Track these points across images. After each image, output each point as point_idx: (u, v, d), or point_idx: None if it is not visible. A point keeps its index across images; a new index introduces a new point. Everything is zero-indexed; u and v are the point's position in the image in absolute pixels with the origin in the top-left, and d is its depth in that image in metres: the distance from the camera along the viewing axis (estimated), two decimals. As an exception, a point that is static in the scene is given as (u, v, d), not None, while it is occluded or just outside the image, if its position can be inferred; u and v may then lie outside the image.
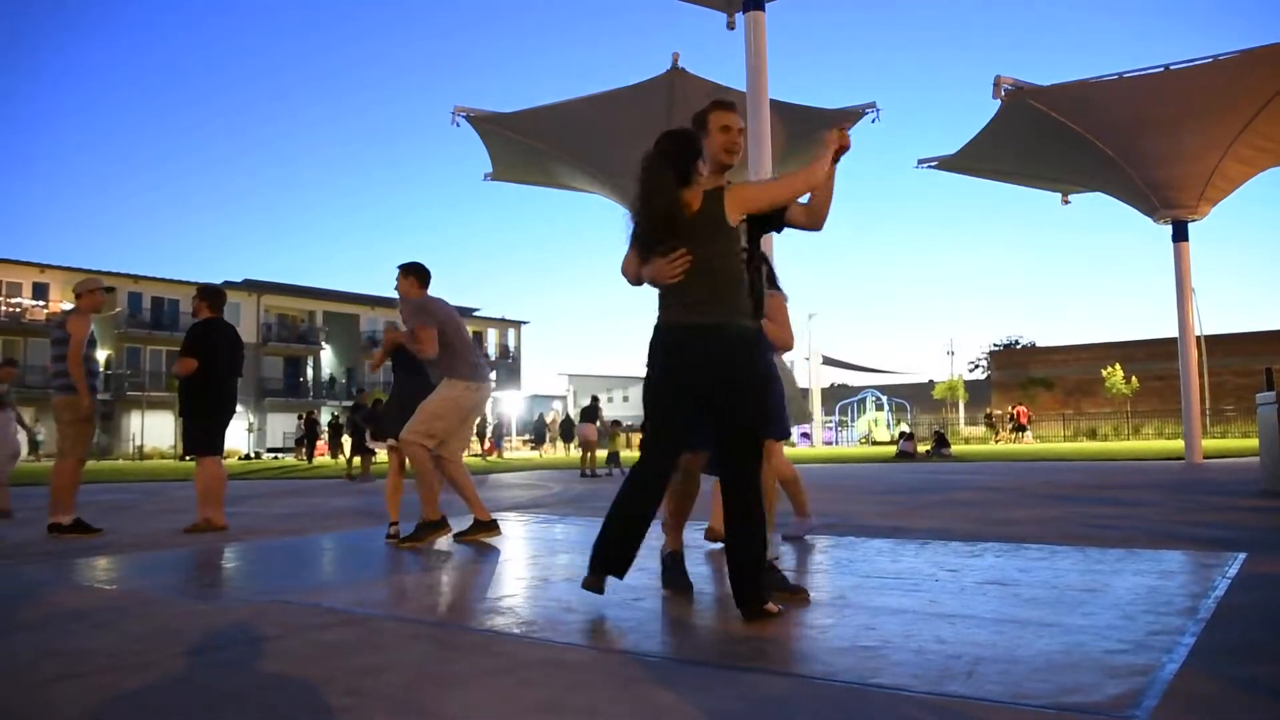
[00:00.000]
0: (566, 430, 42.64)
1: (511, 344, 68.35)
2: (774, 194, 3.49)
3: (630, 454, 20.62)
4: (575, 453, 43.26)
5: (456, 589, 4.32)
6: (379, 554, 5.58)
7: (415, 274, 6.31)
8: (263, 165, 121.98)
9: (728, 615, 3.49)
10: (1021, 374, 52.03)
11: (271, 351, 54.83)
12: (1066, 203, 23.42)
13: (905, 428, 37.91)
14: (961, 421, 51.34)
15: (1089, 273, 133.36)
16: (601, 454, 19.30)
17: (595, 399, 20.06)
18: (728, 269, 3.42)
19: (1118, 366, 45.74)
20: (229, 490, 8.07)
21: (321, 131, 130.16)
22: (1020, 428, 39.82)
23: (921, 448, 26.59)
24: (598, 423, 18.71)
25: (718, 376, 3.37)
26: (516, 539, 6.47)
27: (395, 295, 6.34)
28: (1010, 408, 43.02)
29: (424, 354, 6.01)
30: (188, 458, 7.47)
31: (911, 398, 54.17)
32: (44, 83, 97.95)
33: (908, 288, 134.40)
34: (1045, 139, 19.35)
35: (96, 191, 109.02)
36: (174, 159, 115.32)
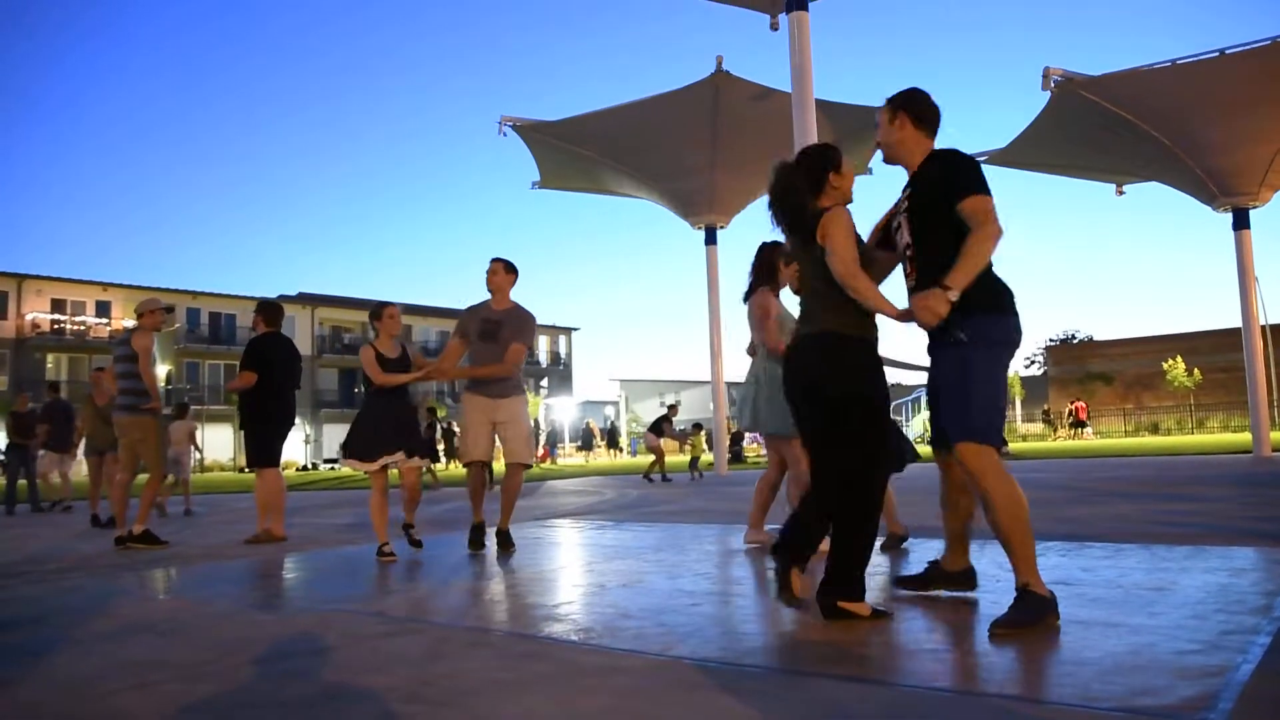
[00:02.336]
0: (612, 436, 42.98)
1: (563, 350, 68.66)
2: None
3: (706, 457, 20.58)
4: (623, 458, 43.77)
5: (513, 597, 4.34)
6: (436, 563, 5.63)
7: (516, 273, 6.26)
8: (315, 179, 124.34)
9: (789, 619, 3.46)
10: (1079, 369, 51.00)
11: (326, 364, 55.72)
12: (1121, 193, 22.93)
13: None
14: (1018, 419, 50.42)
15: (1146, 264, 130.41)
16: (679, 459, 19.28)
17: (670, 408, 20.14)
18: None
19: (1179, 359, 44.60)
20: (287, 501, 8.21)
21: (371, 144, 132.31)
22: (1079, 424, 39.01)
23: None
24: (668, 430, 18.58)
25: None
26: (571, 546, 6.49)
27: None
28: (1069, 404, 42.19)
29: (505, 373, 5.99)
30: (248, 469, 7.62)
31: (967, 395, 53.19)
32: (103, 106, 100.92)
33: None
34: (1097, 130, 18.96)
35: (155, 210, 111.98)
36: (230, 176, 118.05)
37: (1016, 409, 52.70)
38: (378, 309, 6.03)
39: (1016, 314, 3.26)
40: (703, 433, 20.30)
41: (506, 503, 6.23)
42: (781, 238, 3.64)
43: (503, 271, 6.16)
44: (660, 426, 18.27)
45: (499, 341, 5.99)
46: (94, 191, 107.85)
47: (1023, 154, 20.79)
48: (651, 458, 17.85)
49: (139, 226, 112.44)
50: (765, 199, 3.57)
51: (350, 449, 5.94)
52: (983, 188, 3.18)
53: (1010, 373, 3.39)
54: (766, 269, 5.51)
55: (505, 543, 6.14)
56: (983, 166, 3.37)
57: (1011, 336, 3.24)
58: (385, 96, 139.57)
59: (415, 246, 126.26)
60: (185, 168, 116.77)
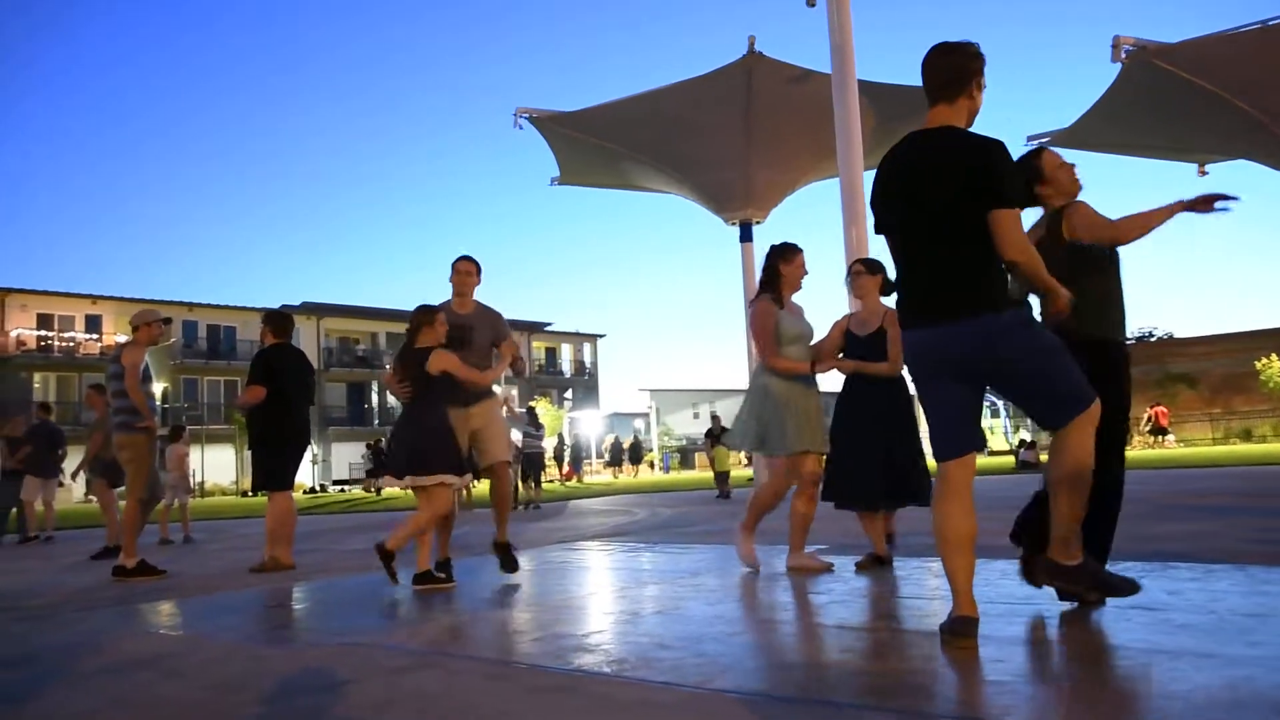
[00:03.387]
0: (634, 453, 43.13)
1: (588, 359, 68.80)
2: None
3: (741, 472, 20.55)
4: (643, 474, 43.74)
5: (540, 626, 4.35)
6: (457, 591, 5.66)
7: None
8: (317, 182, 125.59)
9: (838, 647, 3.44)
10: (1158, 370, 50.26)
11: (334, 378, 55.95)
12: (1204, 174, 22.61)
13: (1026, 435, 36.99)
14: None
15: (1234, 251, 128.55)
16: (743, 473, 19.34)
17: (714, 417, 20.24)
18: None
19: (1274, 357, 43.87)
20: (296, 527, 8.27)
21: (374, 142, 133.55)
22: (1160, 430, 38.47)
23: (1044, 457, 25.92)
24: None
25: None
26: (601, 570, 6.50)
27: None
28: (1147, 409, 41.62)
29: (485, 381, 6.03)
30: (257, 493, 7.71)
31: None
32: (91, 111, 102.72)
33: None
34: (1174, 103, 18.72)
35: (147, 218, 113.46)
36: (223, 181, 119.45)
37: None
38: (427, 314, 5.92)
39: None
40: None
41: (502, 510, 6.24)
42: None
43: (477, 272, 6.29)
44: (719, 436, 18.45)
45: (473, 347, 6.06)
46: (81, 200, 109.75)
47: (1091, 133, 20.58)
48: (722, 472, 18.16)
49: (130, 237, 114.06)
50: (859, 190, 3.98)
51: (446, 461, 5.68)
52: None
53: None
54: (766, 275, 5.71)
55: (509, 560, 6.13)
56: (1050, 148, 3.50)
57: None
58: (393, 94, 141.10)
59: (427, 251, 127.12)
60: (179, 174, 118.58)
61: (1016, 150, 3.63)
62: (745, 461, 30.63)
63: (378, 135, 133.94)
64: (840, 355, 5.85)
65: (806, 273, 5.72)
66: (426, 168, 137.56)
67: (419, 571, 5.76)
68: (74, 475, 13.12)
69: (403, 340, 6.12)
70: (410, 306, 5.99)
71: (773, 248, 5.75)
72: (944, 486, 3.45)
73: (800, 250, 5.72)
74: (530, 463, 17.40)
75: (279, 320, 7.90)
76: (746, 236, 21.42)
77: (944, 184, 3.35)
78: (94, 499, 11.59)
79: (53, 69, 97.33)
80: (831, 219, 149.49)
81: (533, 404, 28.57)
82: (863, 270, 5.98)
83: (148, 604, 5.87)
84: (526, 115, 21.41)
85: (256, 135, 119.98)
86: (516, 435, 16.90)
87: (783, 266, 5.65)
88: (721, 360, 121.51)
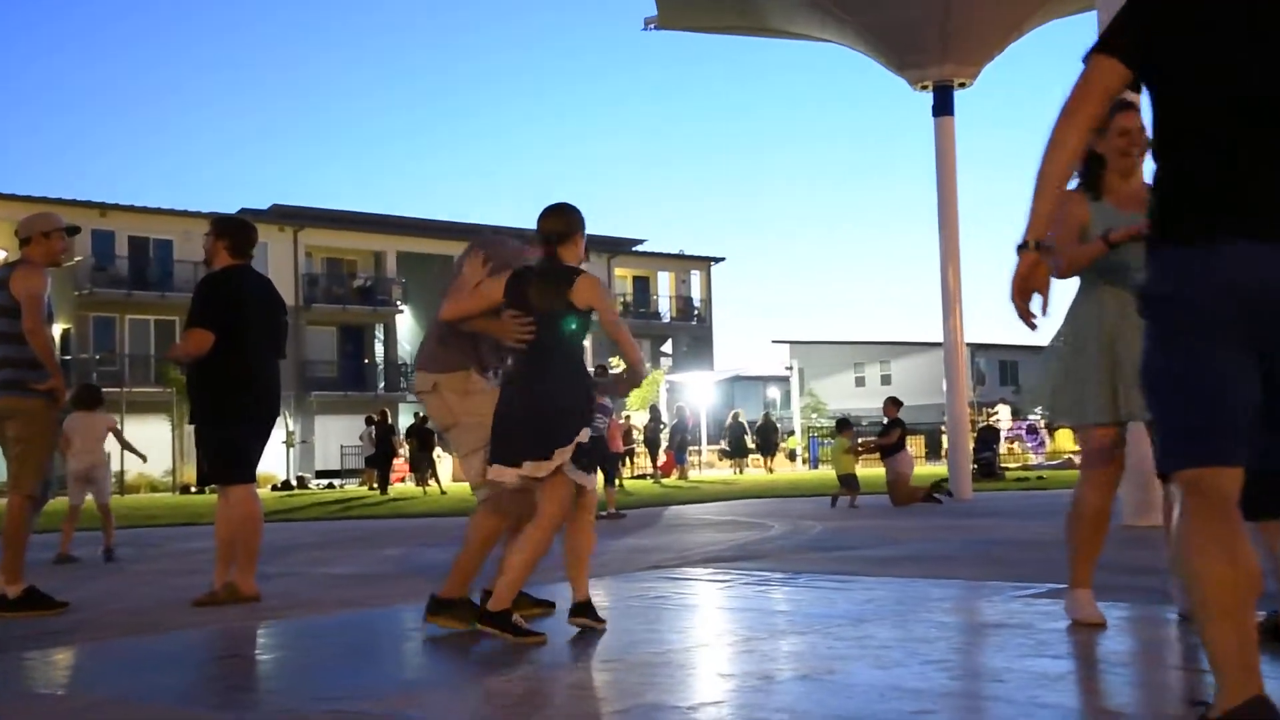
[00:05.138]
0: (766, 436, 42.53)
1: (696, 294, 68.70)
2: None
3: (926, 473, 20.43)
4: (781, 468, 43.18)
5: (625, 692, 4.34)
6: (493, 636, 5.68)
7: None
8: (291, 40, 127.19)
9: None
10: None
11: (318, 319, 56.15)
12: None
13: None
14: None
15: None
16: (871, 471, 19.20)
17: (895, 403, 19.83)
18: None
19: None
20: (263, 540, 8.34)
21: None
22: None
23: None
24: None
25: None
26: (714, 610, 6.49)
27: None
28: None
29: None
30: (204, 488, 7.82)
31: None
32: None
33: None
34: None
35: (35, 82, 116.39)
36: (156, 35, 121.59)
37: None
38: (573, 218, 5.86)
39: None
40: (851, 434, 19.92)
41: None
42: None
43: None
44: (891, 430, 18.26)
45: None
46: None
47: None
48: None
49: (11, 106, 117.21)
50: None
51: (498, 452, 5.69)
52: None
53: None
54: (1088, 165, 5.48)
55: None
56: None
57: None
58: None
59: (454, 136, 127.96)
60: (93, 34, 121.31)
61: None
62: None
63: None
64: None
65: (1133, 143, 5.48)
66: (455, 18, 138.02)
67: (495, 610, 5.63)
68: None
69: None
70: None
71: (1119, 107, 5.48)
72: (1202, 508, 3.21)
73: (1127, 107, 5.48)
74: (600, 452, 17.32)
75: (235, 231, 7.92)
76: (944, 107, 20.96)
77: None
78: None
79: None
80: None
81: (610, 363, 27.51)
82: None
83: (37, 653, 5.85)
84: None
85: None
86: None
87: (1099, 145, 5.43)
88: (900, 302, 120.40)
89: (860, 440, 21.68)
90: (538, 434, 5.47)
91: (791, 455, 49.94)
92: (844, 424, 20.41)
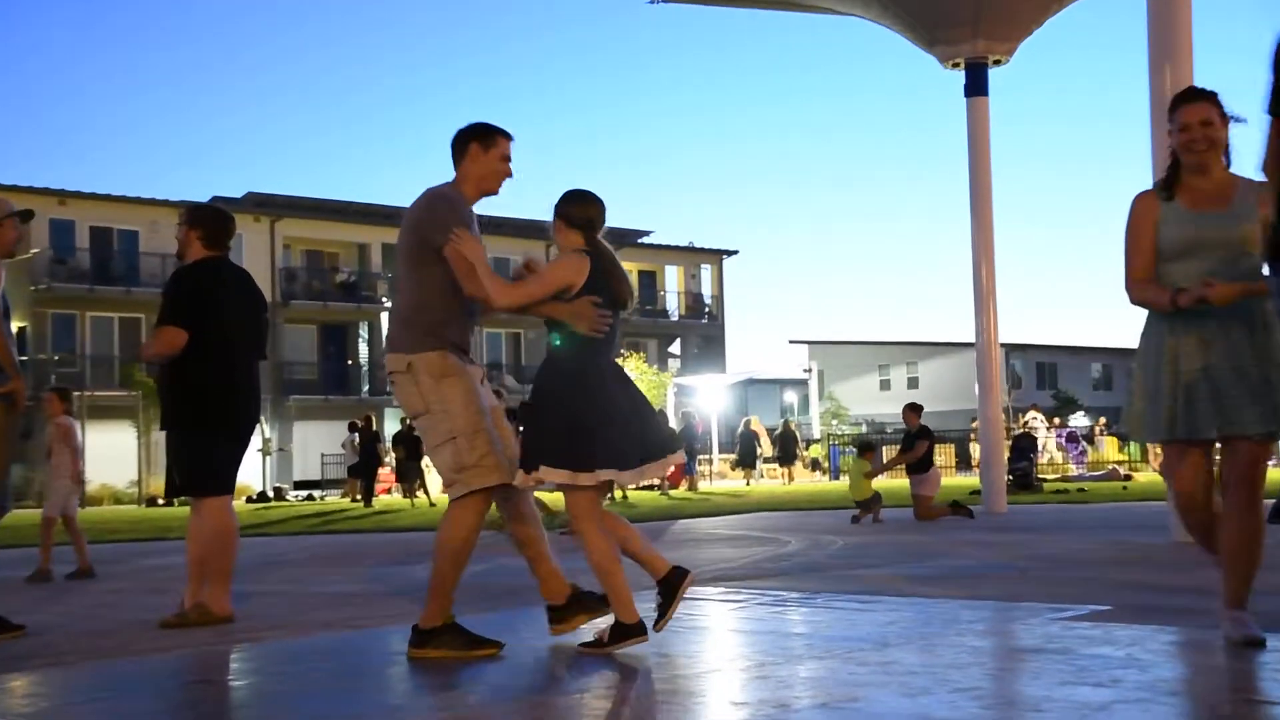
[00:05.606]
0: (785, 444, 42.31)
1: (707, 289, 68.34)
2: None
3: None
4: (800, 478, 42.83)
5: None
6: (502, 662, 5.78)
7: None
8: (266, 13, 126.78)
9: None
10: None
11: (297, 316, 55.97)
12: None
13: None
14: None
15: None
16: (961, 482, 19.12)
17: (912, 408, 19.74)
18: None
19: None
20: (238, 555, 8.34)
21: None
22: None
23: None
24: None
25: None
26: (727, 633, 6.58)
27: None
28: None
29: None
30: (174, 500, 7.90)
31: None
32: None
33: None
34: None
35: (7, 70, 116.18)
36: (119, 13, 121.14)
37: None
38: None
39: None
40: (873, 458, 19.84)
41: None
42: None
43: None
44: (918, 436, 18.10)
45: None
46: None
47: None
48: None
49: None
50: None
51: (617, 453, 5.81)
52: None
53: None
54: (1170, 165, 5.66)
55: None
56: None
57: None
58: None
59: (445, 120, 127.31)
60: (49, 10, 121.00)
61: None
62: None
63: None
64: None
65: (1193, 138, 5.49)
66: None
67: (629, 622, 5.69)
68: None
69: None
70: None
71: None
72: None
73: (1192, 98, 5.62)
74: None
75: (212, 220, 8.00)
76: (977, 87, 20.96)
77: None
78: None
79: None
80: (1115, 62, 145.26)
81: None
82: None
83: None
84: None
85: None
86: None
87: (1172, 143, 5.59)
88: (928, 299, 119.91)
89: (885, 460, 21.73)
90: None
91: (814, 465, 49.69)
92: (866, 447, 20.06)
